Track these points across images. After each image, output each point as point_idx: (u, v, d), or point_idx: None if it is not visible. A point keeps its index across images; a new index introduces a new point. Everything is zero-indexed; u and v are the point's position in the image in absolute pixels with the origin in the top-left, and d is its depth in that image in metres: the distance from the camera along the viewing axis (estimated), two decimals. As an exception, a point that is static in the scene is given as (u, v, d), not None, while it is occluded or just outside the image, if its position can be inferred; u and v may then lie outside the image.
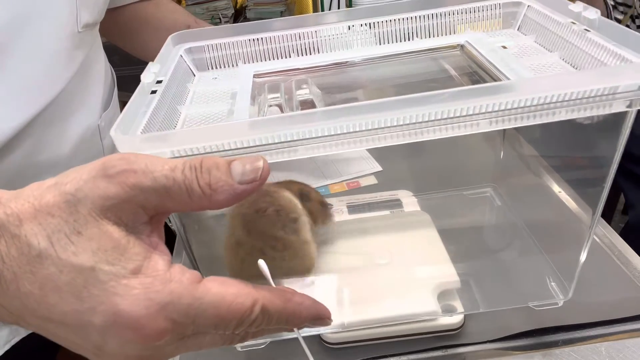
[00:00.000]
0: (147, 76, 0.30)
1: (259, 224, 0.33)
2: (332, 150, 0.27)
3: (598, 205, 0.29)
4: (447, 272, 0.37)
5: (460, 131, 0.25)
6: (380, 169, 0.56)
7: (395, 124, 0.26)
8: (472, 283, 0.38)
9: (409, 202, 0.48)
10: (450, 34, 0.37)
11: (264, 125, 0.26)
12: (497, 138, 0.45)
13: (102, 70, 0.45)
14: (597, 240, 0.43)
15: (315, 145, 0.27)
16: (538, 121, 0.25)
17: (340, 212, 0.48)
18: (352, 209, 0.49)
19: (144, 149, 0.25)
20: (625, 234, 0.43)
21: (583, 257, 0.33)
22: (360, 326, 0.36)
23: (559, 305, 0.35)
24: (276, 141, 0.26)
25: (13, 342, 0.44)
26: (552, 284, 0.37)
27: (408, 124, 0.26)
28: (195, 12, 1.18)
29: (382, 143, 0.27)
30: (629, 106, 0.24)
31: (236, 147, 0.26)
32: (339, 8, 1.00)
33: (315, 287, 0.39)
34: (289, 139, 0.26)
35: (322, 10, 1.00)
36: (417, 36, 0.37)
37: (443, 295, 0.37)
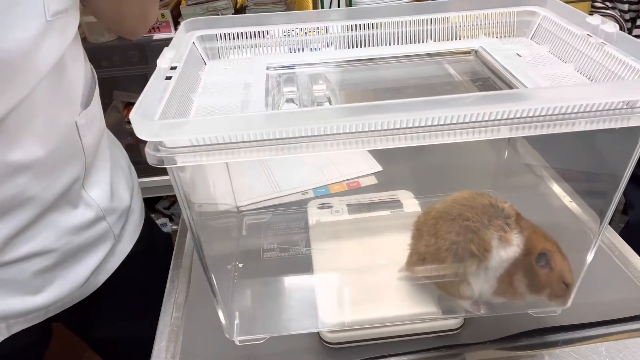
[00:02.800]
0: (163, 61, 0.29)
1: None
2: (352, 148, 0.26)
3: (605, 217, 0.30)
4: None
5: (481, 136, 0.26)
6: (380, 169, 0.56)
7: (419, 124, 0.26)
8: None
9: (409, 202, 0.49)
10: (463, 38, 0.37)
11: (282, 118, 0.25)
12: (502, 143, 0.46)
13: (81, 69, 0.43)
14: (598, 240, 0.44)
15: (335, 142, 0.26)
16: (557, 130, 0.25)
17: (340, 212, 0.48)
18: (352, 209, 0.48)
19: (162, 135, 0.24)
20: (625, 234, 0.44)
21: (585, 267, 0.34)
22: (361, 326, 0.36)
23: (558, 313, 0.36)
24: (295, 135, 0.25)
25: None
26: None
27: (431, 126, 0.26)
28: (195, 12, 1.16)
29: (403, 143, 0.27)
30: (645, 119, 0.25)
31: (254, 139, 0.25)
32: (339, 7, 1.00)
33: (317, 287, 0.39)
34: (308, 134, 0.25)
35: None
36: (431, 39, 0.37)
37: (443, 296, 0.37)
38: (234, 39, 0.37)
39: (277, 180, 0.55)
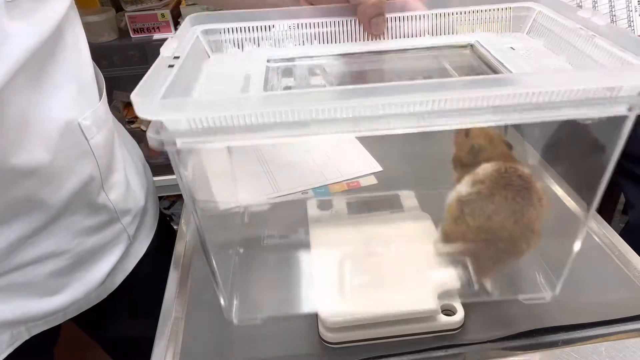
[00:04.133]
0: (166, 50, 0.29)
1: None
2: (344, 130, 0.26)
3: (591, 207, 0.30)
4: (447, 273, 0.38)
5: (466, 120, 0.25)
6: (380, 169, 0.56)
7: (407, 109, 0.24)
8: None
9: (409, 202, 0.49)
10: (460, 33, 0.37)
11: (279, 99, 0.25)
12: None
13: (77, 63, 0.41)
14: (597, 240, 0.44)
15: (327, 125, 0.25)
16: (541, 117, 0.24)
17: (340, 212, 0.48)
18: (352, 208, 0.48)
19: (162, 114, 0.24)
20: (625, 234, 0.43)
21: (572, 255, 0.33)
22: (360, 324, 0.36)
23: (547, 300, 0.36)
24: (290, 118, 0.25)
25: (15, 346, 0.43)
26: (542, 280, 0.38)
27: (420, 108, 0.25)
28: (196, 12, 1.16)
29: (392, 126, 0.25)
30: (629, 110, 0.25)
31: (252, 120, 0.25)
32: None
33: (317, 286, 0.38)
34: (302, 117, 0.25)
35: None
36: (428, 33, 0.37)
37: (443, 295, 0.37)
38: (237, 32, 0.37)
39: (277, 180, 0.55)
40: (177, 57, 0.30)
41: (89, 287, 0.45)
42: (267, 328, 0.38)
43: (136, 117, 1.33)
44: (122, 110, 1.19)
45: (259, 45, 0.37)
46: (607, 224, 0.46)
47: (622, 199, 1.01)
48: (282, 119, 0.25)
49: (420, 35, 0.37)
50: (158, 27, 1.13)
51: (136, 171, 0.52)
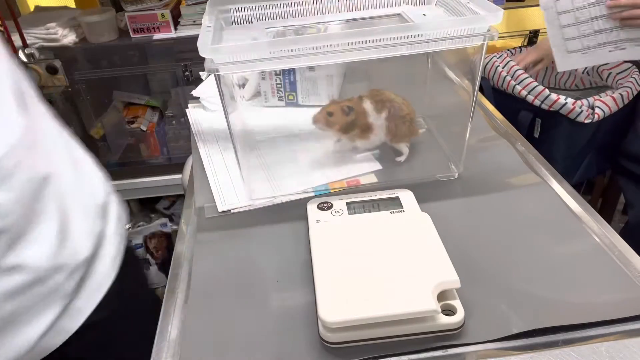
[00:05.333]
0: (205, 22, 0.47)
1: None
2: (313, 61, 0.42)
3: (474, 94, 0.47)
4: (446, 272, 0.38)
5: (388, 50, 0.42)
6: (380, 167, 0.56)
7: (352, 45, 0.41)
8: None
9: (409, 201, 0.49)
10: (392, 6, 0.56)
11: (284, 41, 0.42)
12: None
13: None
14: (597, 240, 0.45)
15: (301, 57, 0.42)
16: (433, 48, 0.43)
17: (340, 212, 0.48)
18: (352, 208, 0.49)
19: (212, 53, 0.41)
20: (625, 234, 0.43)
21: (465, 142, 0.51)
22: (360, 324, 0.36)
23: (455, 176, 0.54)
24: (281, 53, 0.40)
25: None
26: (452, 165, 0.55)
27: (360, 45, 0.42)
28: (196, 12, 1.15)
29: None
30: (484, 40, 0.43)
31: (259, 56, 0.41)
32: None
33: (316, 286, 0.39)
34: (301, 51, 0.41)
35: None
36: (372, 7, 0.55)
37: (442, 295, 0.37)
38: (243, 10, 0.53)
39: (277, 179, 0.55)
40: (209, 26, 0.46)
41: (16, 353, 0.40)
42: (267, 328, 0.38)
43: (136, 117, 1.32)
44: (122, 111, 1.19)
45: (258, 19, 0.54)
46: (607, 224, 0.46)
47: (622, 199, 1.01)
48: (276, 55, 0.41)
49: (363, 9, 0.55)
50: (158, 27, 1.13)
51: (85, 213, 0.44)
